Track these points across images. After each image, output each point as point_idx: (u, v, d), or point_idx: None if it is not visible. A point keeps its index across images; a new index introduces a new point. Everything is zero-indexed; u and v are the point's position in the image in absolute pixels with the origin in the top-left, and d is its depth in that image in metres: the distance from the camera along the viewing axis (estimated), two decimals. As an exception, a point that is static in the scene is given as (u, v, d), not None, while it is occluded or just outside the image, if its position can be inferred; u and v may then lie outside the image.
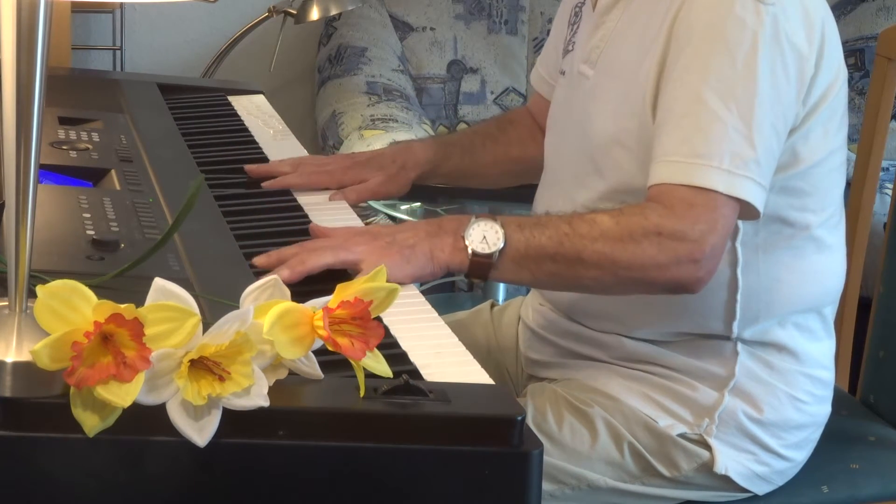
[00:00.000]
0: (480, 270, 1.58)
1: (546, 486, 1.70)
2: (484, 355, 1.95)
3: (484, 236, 1.58)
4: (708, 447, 1.73)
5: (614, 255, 1.56)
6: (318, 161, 1.94)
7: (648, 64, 1.65)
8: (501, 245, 1.57)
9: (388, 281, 1.46)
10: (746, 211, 1.60)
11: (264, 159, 2.02)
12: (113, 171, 1.80)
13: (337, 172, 1.90)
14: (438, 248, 1.58)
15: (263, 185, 1.87)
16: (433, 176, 1.98)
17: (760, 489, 1.78)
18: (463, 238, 1.58)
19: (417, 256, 1.57)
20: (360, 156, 1.98)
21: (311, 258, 1.54)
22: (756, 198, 1.58)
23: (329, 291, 1.19)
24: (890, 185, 3.36)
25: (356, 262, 1.55)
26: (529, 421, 1.73)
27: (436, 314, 1.52)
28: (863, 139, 2.21)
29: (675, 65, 1.61)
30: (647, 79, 1.64)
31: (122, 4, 3.50)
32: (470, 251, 1.57)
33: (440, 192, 2.52)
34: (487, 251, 1.57)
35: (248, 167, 1.91)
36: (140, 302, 1.08)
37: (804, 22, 1.62)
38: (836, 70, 1.68)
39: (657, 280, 1.58)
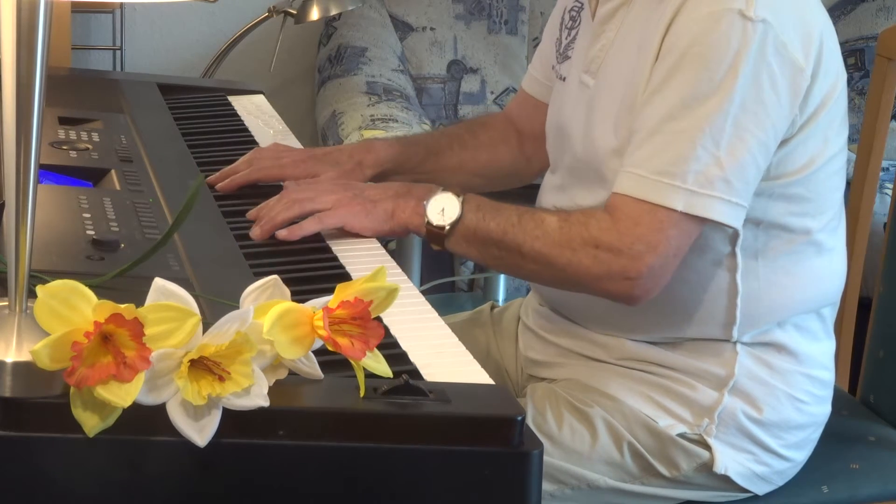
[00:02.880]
0: (435, 239, 1.68)
1: (546, 486, 1.70)
2: (484, 355, 1.95)
3: (443, 208, 1.67)
4: (708, 447, 1.73)
5: (551, 257, 1.63)
6: (275, 154, 1.91)
7: (642, 74, 1.65)
8: (454, 219, 1.66)
9: (348, 230, 1.66)
10: (719, 226, 1.63)
11: (264, 159, 2.01)
12: (113, 171, 1.80)
13: (289, 166, 1.88)
14: (401, 209, 1.69)
15: (217, 187, 1.84)
16: (394, 175, 1.97)
17: (760, 489, 1.78)
18: (424, 205, 1.67)
19: (378, 212, 1.68)
20: (318, 150, 1.96)
21: (281, 214, 1.67)
22: (724, 215, 1.60)
23: (329, 291, 1.19)
24: (890, 185, 3.36)
25: (322, 209, 1.68)
26: (529, 421, 1.73)
27: (436, 314, 1.52)
28: (863, 139, 2.21)
29: (658, 77, 1.62)
30: (639, 90, 1.65)
31: (122, 4, 3.50)
32: (426, 219, 1.67)
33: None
34: (441, 223, 1.67)
35: (209, 178, 1.86)
36: (140, 302, 1.08)
37: (800, 33, 1.62)
38: (834, 77, 1.68)
39: (591, 289, 1.65)
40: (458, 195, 1.67)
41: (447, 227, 1.66)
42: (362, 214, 1.68)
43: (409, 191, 1.71)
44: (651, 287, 1.61)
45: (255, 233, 1.66)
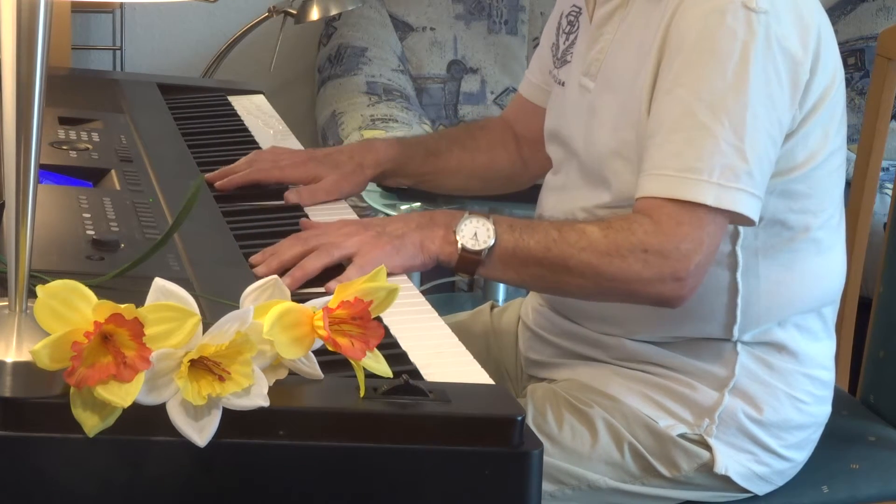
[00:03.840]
0: (468, 266, 1.61)
1: (546, 486, 1.70)
2: (484, 355, 1.95)
3: (475, 233, 1.60)
4: (708, 447, 1.73)
5: (600, 266, 1.58)
6: (274, 156, 1.90)
7: (643, 75, 1.65)
8: (491, 243, 1.60)
9: None
10: (739, 221, 1.62)
11: (264, 159, 2.01)
12: (113, 171, 1.80)
13: (289, 168, 1.88)
14: (429, 240, 1.61)
15: (217, 185, 1.84)
16: (395, 175, 1.96)
17: (760, 489, 1.78)
18: (454, 232, 1.60)
19: (407, 247, 1.60)
20: (318, 152, 1.95)
21: (311, 262, 1.56)
22: (748, 208, 1.59)
23: (329, 291, 1.19)
24: (890, 185, 3.36)
25: (349, 255, 1.58)
26: (529, 421, 1.73)
27: (436, 314, 1.52)
28: (863, 139, 2.21)
29: (667, 76, 1.61)
30: (643, 90, 1.65)
31: (122, 4, 3.50)
32: (460, 246, 1.60)
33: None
34: (477, 248, 1.60)
35: (208, 175, 1.85)
36: (140, 302, 1.08)
37: (798, 27, 1.62)
38: (832, 72, 1.68)
39: (639, 294, 1.60)
40: (486, 217, 1.62)
41: (484, 252, 1.60)
42: (393, 253, 1.59)
43: (432, 219, 1.64)
44: (696, 285, 1.60)
45: (286, 283, 1.46)
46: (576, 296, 1.71)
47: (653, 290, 1.58)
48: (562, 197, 1.81)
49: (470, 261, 1.60)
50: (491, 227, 1.60)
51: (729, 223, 1.62)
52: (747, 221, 1.61)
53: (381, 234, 1.60)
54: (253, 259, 1.57)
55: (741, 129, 1.57)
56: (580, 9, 1.84)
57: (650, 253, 1.57)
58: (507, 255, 1.60)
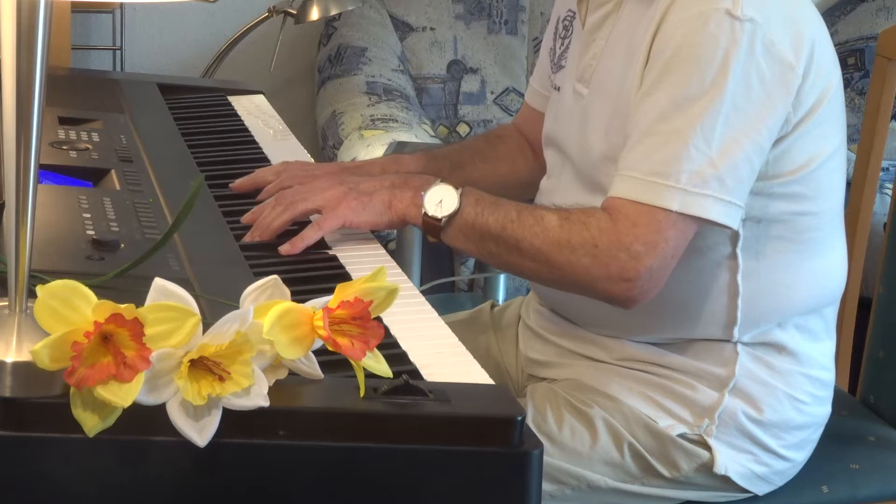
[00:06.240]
0: (431, 230, 1.67)
1: (546, 486, 1.70)
2: (484, 355, 1.95)
3: (441, 200, 1.66)
4: (708, 447, 1.73)
5: (549, 254, 1.61)
6: (305, 169, 1.87)
7: (631, 78, 1.66)
8: (451, 211, 1.65)
9: (345, 226, 1.64)
10: (714, 226, 1.62)
11: (264, 159, 2.01)
12: (113, 171, 1.80)
13: (323, 178, 1.87)
14: (398, 199, 1.67)
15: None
16: None
17: (760, 489, 1.78)
18: (422, 196, 1.66)
19: (375, 204, 1.67)
20: (349, 165, 1.97)
21: (276, 220, 1.67)
22: (719, 215, 1.59)
23: (329, 291, 1.19)
24: (890, 185, 3.36)
25: (316, 209, 1.68)
26: (529, 421, 1.73)
27: (436, 314, 1.52)
28: (863, 139, 2.21)
29: (648, 80, 1.62)
30: (630, 93, 1.65)
31: (122, 4, 3.50)
32: (423, 210, 1.65)
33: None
34: (438, 214, 1.65)
35: (233, 185, 1.85)
36: (140, 302, 1.08)
37: (790, 32, 1.62)
38: (828, 77, 1.67)
39: (589, 290, 1.63)
40: (456, 188, 1.66)
41: (444, 219, 1.65)
42: (359, 209, 1.67)
43: (406, 182, 1.70)
44: (649, 289, 1.61)
45: (253, 238, 1.66)
46: (532, 279, 1.74)
47: (601, 286, 1.60)
48: (553, 198, 1.81)
49: (431, 226, 1.66)
50: (456, 196, 1.65)
51: (699, 228, 1.62)
52: (722, 227, 1.61)
53: (351, 191, 1.68)
54: (244, 218, 1.69)
55: (713, 136, 1.58)
56: (574, 13, 1.84)
57: (600, 249, 1.59)
58: (467, 226, 1.65)
